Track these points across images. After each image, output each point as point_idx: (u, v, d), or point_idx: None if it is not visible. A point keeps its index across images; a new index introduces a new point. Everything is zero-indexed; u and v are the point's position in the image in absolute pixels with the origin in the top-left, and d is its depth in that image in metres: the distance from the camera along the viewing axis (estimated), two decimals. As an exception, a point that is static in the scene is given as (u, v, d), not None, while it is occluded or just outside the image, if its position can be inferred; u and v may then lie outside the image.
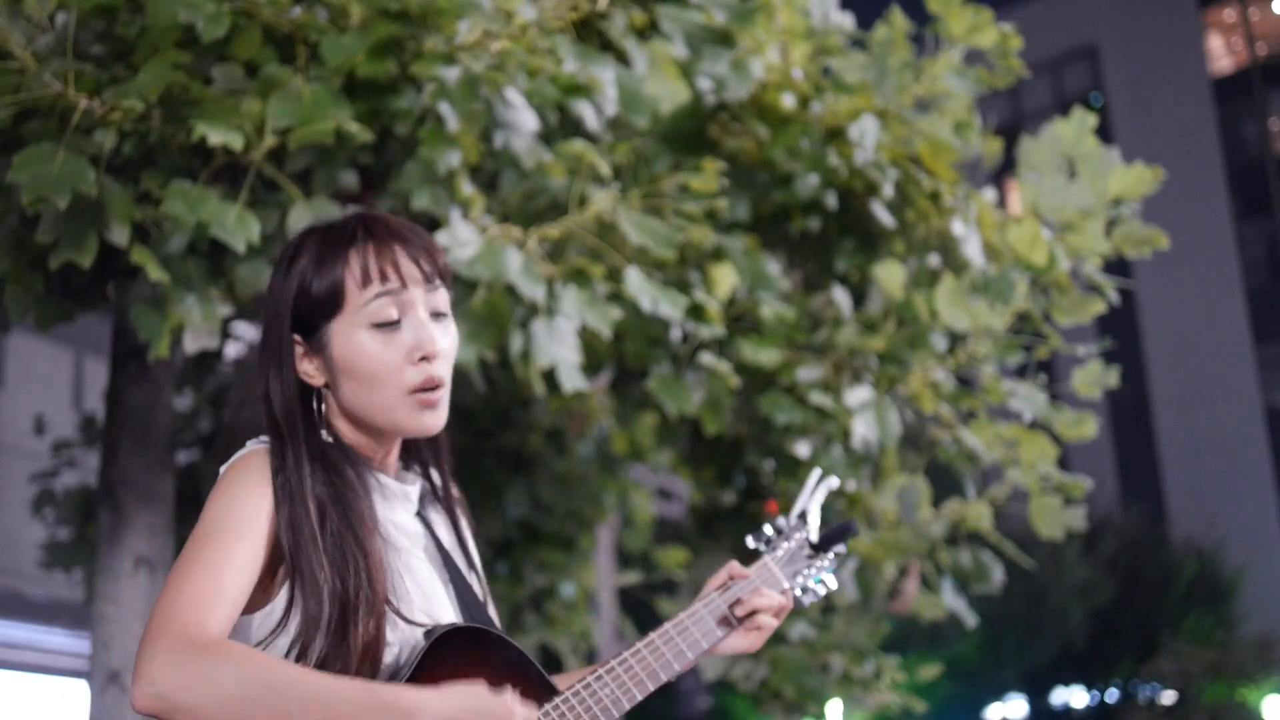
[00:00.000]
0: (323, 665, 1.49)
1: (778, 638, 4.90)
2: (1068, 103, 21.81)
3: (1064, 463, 4.77)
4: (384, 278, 1.58)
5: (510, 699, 1.45)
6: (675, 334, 3.80)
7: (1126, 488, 25.08)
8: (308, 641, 1.50)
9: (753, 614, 1.75)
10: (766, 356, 4.00)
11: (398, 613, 1.54)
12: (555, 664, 6.50)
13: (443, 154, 2.92)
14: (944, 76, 4.32)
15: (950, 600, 4.59)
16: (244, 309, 3.13)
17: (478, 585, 1.73)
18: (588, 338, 3.65)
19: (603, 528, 7.03)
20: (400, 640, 1.53)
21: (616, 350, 3.96)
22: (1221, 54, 27.17)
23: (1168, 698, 19.30)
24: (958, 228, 4.22)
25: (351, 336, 1.58)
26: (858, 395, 4.00)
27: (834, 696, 5.37)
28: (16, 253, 2.78)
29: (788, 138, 4.09)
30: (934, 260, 4.39)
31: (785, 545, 1.86)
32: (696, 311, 3.74)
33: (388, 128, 3.00)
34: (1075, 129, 4.21)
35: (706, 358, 3.91)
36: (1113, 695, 20.10)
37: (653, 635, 1.67)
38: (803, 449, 4.15)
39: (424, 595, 1.60)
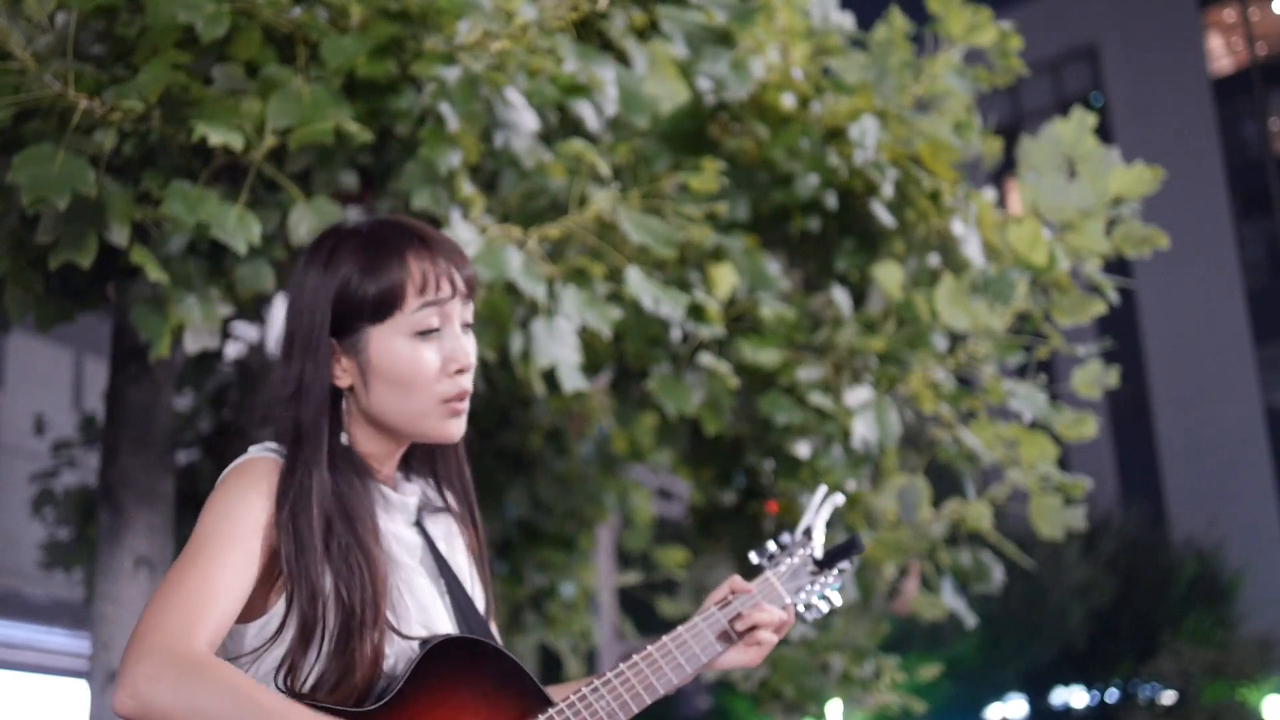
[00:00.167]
0: (320, 677, 1.48)
1: (778, 638, 4.89)
2: (1068, 103, 21.83)
3: (1064, 463, 4.77)
4: (438, 287, 1.58)
5: None
6: (675, 334, 3.80)
7: (1126, 488, 25.09)
8: (305, 652, 1.49)
9: (752, 629, 1.74)
10: (766, 357, 4.00)
11: (395, 629, 1.53)
12: (555, 664, 6.51)
13: (443, 154, 2.92)
14: (944, 76, 4.32)
15: (950, 600, 4.59)
16: (244, 309, 3.13)
17: (480, 598, 1.72)
18: (588, 338, 3.65)
19: (603, 528, 7.04)
20: (396, 652, 1.53)
21: (616, 350, 3.96)
22: (1221, 54, 27.18)
23: (1168, 698, 19.32)
24: (958, 228, 4.22)
25: (391, 341, 1.57)
26: (858, 395, 4.00)
27: (834, 696, 5.37)
28: (16, 253, 2.78)
29: (788, 138, 4.09)
30: (934, 260, 4.38)
31: (789, 561, 1.84)
32: (696, 311, 3.74)
33: (388, 128, 3.00)
34: (1075, 129, 4.21)
35: (706, 358, 3.91)
36: (1113, 695, 20.11)
37: (650, 648, 1.66)
38: (803, 449, 4.15)
39: (421, 609, 1.59)
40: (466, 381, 1.61)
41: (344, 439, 1.61)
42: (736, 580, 1.78)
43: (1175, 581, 20.41)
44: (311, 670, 1.49)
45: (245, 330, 4.94)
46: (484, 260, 3.04)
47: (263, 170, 2.79)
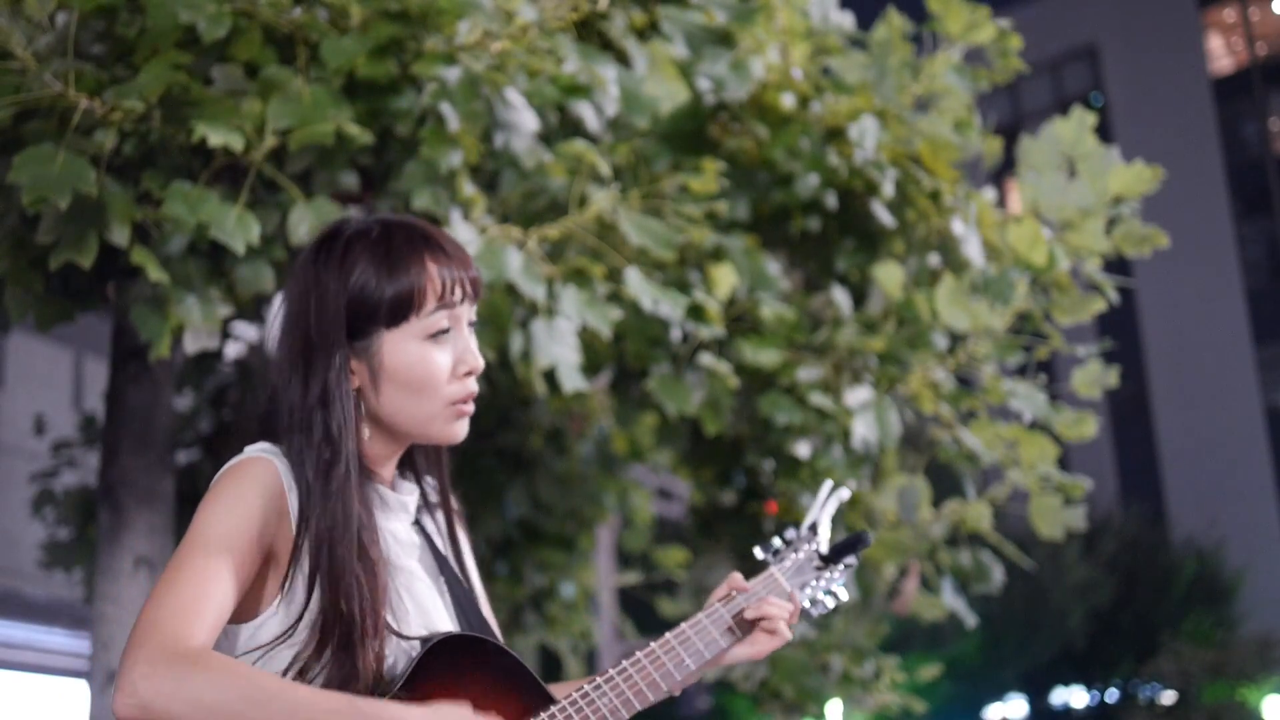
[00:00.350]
0: (324, 683, 1.48)
1: (778, 638, 4.89)
2: (1068, 103, 21.80)
3: (1064, 463, 4.77)
4: (453, 291, 1.58)
5: None
6: (675, 334, 3.80)
7: (1126, 488, 25.08)
8: (312, 653, 1.49)
9: (761, 619, 1.72)
10: (766, 357, 3.99)
11: (395, 631, 1.53)
12: (555, 664, 6.51)
13: (443, 154, 2.92)
14: (943, 75, 4.32)
15: (950, 600, 4.59)
16: (244, 309, 3.13)
17: (476, 594, 1.72)
18: (588, 338, 3.65)
19: (603, 528, 7.03)
20: (396, 652, 1.53)
21: (616, 350, 3.96)
22: (1221, 54, 27.18)
23: (1168, 698, 19.31)
24: (958, 227, 4.22)
25: (404, 344, 1.57)
26: (858, 395, 4.00)
27: (834, 696, 5.37)
28: (16, 253, 2.78)
29: (788, 138, 4.09)
30: (934, 260, 4.38)
31: (793, 556, 1.83)
32: (696, 311, 3.74)
33: (388, 128, 3.00)
34: (1075, 128, 4.21)
35: (706, 358, 3.91)
36: (1113, 695, 20.11)
37: (653, 645, 1.65)
38: (803, 449, 4.15)
39: (421, 609, 1.59)
40: (474, 383, 1.62)
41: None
42: (736, 578, 1.77)
43: (1175, 581, 20.41)
44: (319, 670, 1.49)
45: (245, 330, 4.94)
46: (484, 260, 3.05)
47: (263, 171, 2.80)
